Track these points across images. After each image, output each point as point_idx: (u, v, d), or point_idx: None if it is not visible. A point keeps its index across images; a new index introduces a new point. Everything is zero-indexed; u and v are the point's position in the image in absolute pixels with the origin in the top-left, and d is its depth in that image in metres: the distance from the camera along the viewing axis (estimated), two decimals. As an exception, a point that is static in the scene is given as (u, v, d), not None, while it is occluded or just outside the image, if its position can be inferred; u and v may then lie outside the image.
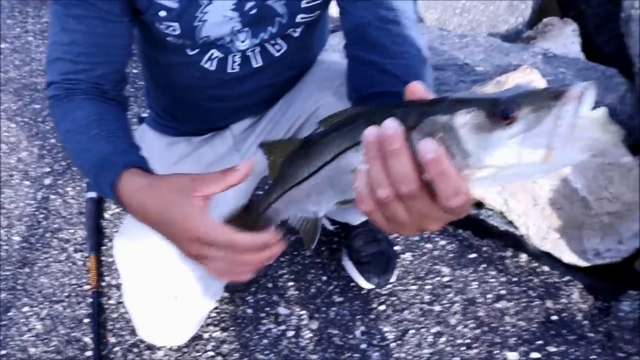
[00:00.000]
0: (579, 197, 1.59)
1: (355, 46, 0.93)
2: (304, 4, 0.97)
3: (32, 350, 1.44)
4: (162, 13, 0.91)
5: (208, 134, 1.27)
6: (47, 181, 1.96)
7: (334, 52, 1.30)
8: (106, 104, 0.96)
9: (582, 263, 1.60)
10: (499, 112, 0.49)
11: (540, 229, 1.65)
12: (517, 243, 1.67)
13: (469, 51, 2.31)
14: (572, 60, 2.27)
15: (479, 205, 1.78)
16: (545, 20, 2.66)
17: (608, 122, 0.49)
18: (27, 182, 1.97)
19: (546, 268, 1.54)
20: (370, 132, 0.53)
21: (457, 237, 1.59)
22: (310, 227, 0.73)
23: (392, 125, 0.51)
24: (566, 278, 1.52)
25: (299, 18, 0.99)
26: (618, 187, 1.64)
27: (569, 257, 1.61)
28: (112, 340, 1.43)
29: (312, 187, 0.66)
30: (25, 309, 1.55)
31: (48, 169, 2.01)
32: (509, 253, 1.58)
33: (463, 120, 0.51)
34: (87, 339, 1.45)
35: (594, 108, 0.49)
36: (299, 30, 1.04)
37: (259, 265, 0.72)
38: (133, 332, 1.43)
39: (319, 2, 0.98)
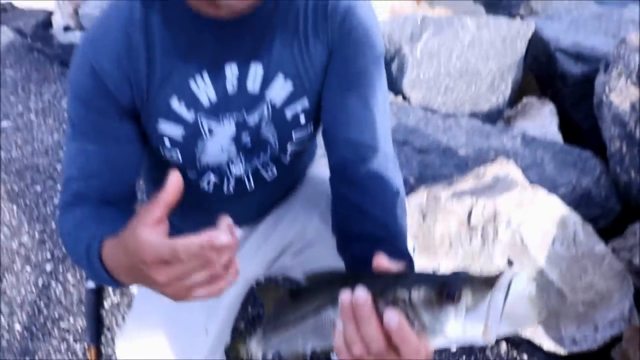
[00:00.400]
0: (554, 288, 1.69)
1: (338, 182, 1.04)
2: (294, 137, 1.08)
3: None
4: (167, 142, 1.02)
5: (204, 242, 1.37)
6: (48, 267, 2.05)
7: (323, 161, 1.40)
8: (110, 208, 0.99)
9: (561, 350, 1.69)
10: (446, 293, 0.60)
11: (520, 316, 1.74)
12: (498, 329, 1.76)
13: (451, 134, 2.44)
14: (549, 143, 2.40)
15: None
16: (524, 100, 2.81)
17: (535, 298, 0.60)
18: (29, 268, 2.06)
19: (525, 357, 1.63)
20: (345, 298, 0.64)
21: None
22: None
23: (362, 295, 0.62)
24: (544, 368, 1.60)
25: (288, 148, 1.10)
26: (592, 276, 1.74)
27: (548, 344, 1.70)
28: None
29: (299, 332, 0.76)
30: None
31: (49, 255, 2.10)
32: (490, 342, 1.67)
33: (418, 297, 0.62)
34: None
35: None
36: (288, 157, 1.15)
37: (222, 268, 0.69)
38: None
39: (306, 135, 1.09)
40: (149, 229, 0.67)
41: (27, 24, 4.60)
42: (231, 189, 1.16)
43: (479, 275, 0.62)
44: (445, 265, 1.89)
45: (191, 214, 1.24)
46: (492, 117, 2.88)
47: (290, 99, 1.02)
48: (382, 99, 1.04)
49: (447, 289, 0.60)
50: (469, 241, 1.82)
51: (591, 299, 1.71)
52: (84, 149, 0.98)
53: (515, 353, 1.65)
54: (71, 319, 1.85)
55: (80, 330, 1.81)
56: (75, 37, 4.21)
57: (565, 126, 2.84)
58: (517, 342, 1.69)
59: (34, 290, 1.97)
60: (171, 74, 0.95)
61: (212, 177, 1.13)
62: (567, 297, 1.69)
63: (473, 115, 2.84)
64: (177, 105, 0.97)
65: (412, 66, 2.89)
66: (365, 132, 1.02)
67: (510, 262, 1.74)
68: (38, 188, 2.45)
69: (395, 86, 2.95)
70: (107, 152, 0.98)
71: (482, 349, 1.64)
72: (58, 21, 4.71)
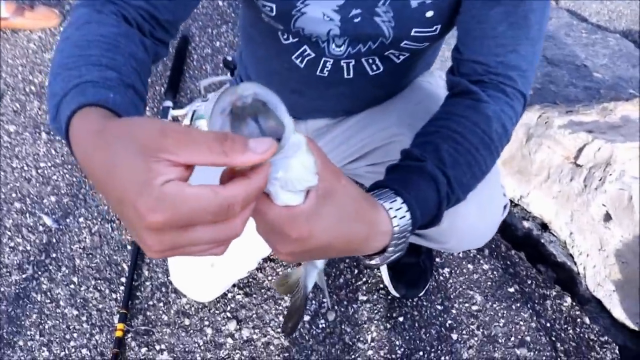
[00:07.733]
0: (649, 259, 1.54)
1: (449, 102, 0.90)
2: (413, 32, 0.94)
3: (77, 261, 1.62)
4: None
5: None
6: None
7: (436, 76, 1.25)
8: (136, 36, 0.79)
9: (630, 324, 1.57)
10: None
11: (599, 274, 1.62)
12: (568, 279, 1.65)
13: (593, 51, 2.18)
14: None
15: (544, 227, 1.76)
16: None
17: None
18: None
19: (587, 320, 1.53)
20: None
21: (505, 261, 1.59)
22: None
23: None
24: (603, 339, 1.49)
25: (404, 44, 0.97)
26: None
27: (619, 313, 1.59)
28: (146, 273, 1.59)
29: None
30: (81, 219, 1.73)
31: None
32: (553, 292, 1.57)
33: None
34: (125, 266, 1.61)
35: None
36: (401, 56, 1.03)
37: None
38: (166, 273, 1.57)
39: (430, 34, 0.94)
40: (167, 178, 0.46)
41: None
42: (326, 71, 1.07)
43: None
44: (534, 196, 1.76)
45: (276, 84, 1.16)
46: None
47: None
48: (536, 21, 0.86)
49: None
50: (569, 180, 1.67)
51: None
52: None
53: (577, 312, 1.54)
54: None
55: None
56: None
57: None
58: (586, 298, 1.58)
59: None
60: None
61: (308, 51, 1.04)
62: (659, 271, 1.54)
63: (628, 34, 2.51)
64: None
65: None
66: (500, 55, 0.86)
67: (608, 217, 1.59)
68: None
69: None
70: None
71: (543, 299, 1.55)
72: None
